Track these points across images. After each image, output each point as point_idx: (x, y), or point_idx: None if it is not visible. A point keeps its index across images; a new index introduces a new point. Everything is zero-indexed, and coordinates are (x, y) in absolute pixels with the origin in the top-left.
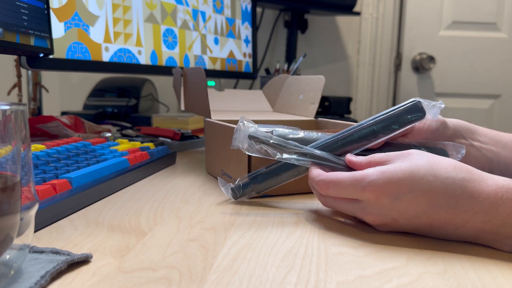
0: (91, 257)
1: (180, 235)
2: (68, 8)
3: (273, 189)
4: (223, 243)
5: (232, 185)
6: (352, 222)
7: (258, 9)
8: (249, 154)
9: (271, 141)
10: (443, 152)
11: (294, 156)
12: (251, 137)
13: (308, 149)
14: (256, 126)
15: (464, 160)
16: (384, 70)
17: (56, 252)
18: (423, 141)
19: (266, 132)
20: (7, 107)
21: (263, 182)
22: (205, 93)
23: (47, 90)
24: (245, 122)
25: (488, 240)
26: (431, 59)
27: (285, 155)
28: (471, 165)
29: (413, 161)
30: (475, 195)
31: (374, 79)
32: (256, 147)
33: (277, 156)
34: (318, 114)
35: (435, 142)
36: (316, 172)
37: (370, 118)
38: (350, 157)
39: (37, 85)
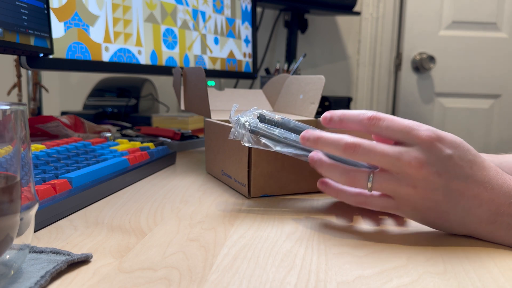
0: (91, 257)
1: (180, 235)
2: (68, 8)
3: (273, 189)
4: (223, 243)
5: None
6: (352, 222)
7: (258, 9)
8: (248, 145)
9: (271, 134)
10: None
11: (293, 150)
12: (252, 131)
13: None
14: (257, 113)
15: None
16: (384, 70)
17: (56, 252)
18: None
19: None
20: (7, 107)
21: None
22: (205, 93)
23: (47, 90)
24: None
25: (503, 224)
26: (431, 59)
27: (284, 148)
28: None
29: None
30: (507, 178)
31: (374, 79)
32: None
33: (276, 148)
34: (318, 114)
35: None
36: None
37: None
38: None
39: (37, 85)
